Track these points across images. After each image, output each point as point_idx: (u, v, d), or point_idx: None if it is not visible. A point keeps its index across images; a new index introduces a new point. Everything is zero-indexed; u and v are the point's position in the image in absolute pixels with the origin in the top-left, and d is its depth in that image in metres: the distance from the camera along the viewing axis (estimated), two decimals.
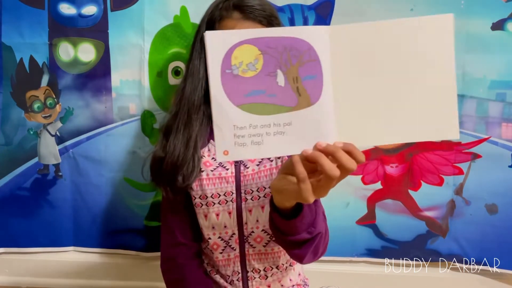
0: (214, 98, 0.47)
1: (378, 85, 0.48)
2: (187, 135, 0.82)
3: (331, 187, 0.49)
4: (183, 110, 0.83)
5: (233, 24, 0.78)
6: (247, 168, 0.83)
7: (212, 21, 0.82)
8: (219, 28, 0.79)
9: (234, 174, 0.83)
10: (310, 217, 0.61)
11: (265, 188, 0.82)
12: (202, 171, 0.83)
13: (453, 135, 0.49)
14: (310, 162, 0.49)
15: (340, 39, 0.47)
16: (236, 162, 0.84)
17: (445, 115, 0.48)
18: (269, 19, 0.80)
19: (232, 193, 0.83)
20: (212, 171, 0.83)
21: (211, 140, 0.84)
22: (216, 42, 0.46)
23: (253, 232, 0.83)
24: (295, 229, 0.61)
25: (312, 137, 0.48)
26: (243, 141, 0.47)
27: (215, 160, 0.83)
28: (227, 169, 0.83)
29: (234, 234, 0.84)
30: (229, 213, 0.83)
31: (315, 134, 0.48)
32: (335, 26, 0.47)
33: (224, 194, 0.83)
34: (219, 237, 0.85)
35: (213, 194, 0.82)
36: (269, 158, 0.83)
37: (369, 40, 0.47)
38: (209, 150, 0.84)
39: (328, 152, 0.48)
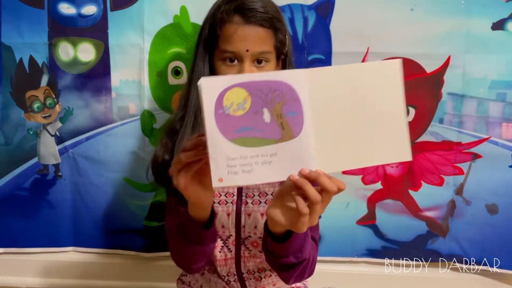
0: (209, 134, 0.52)
1: (347, 119, 0.56)
2: None
3: (317, 213, 0.55)
4: (189, 114, 0.82)
5: (234, 29, 0.76)
6: None
7: (214, 24, 0.79)
8: (221, 33, 0.78)
9: None
10: (299, 243, 0.66)
11: (266, 194, 0.82)
12: None
13: (406, 157, 0.57)
14: (298, 189, 0.55)
15: (314, 80, 0.54)
16: None
17: (399, 143, 0.57)
18: (271, 21, 0.78)
19: (233, 195, 0.82)
20: None
21: None
22: (210, 86, 0.52)
23: (250, 236, 0.83)
24: (284, 252, 0.65)
25: (295, 165, 0.55)
26: (235, 170, 0.53)
27: None
28: None
29: (231, 235, 0.84)
30: (228, 214, 0.83)
31: (298, 162, 0.55)
32: (310, 69, 0.54)
33: (225, 195, 0.82)
34: (218, 236, 0.84)
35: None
36: None
37: (337, 81, 0.55)
38: None
39: (312, 178, 0.54)
